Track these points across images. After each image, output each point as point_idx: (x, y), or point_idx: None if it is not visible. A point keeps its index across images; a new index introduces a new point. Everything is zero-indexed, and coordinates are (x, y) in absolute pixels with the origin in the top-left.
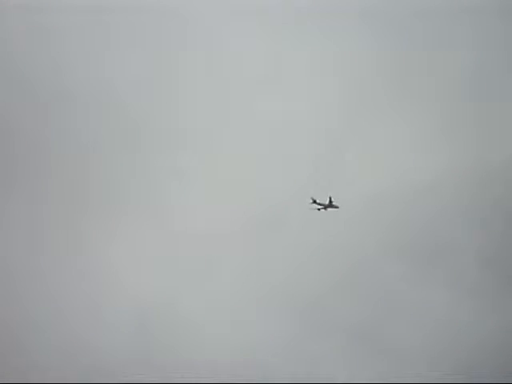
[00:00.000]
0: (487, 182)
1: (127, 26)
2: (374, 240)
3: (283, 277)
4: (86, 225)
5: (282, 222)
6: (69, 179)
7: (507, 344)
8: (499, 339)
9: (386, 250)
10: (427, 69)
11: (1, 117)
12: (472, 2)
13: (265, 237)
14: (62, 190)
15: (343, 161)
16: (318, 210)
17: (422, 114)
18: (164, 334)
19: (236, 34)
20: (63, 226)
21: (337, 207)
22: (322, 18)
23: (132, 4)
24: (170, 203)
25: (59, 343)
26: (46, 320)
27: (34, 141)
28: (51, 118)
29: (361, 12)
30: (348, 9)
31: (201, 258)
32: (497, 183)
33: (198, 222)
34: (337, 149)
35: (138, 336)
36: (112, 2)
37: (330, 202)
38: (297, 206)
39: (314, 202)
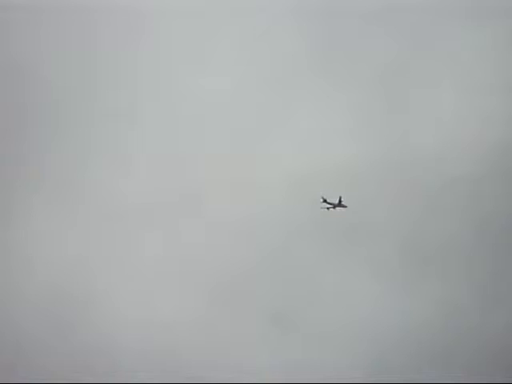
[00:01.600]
0: (409, 169)
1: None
2: (295, 222)
3: (201, 257)
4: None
5: (202, 200)
6: None
7: (423, 329)
8: (416, 325)
9: (308, 232)
10: (352, 57)
11: None
12: None
13: (184, 217)
14: None
15: (268, 140)
16: (328, 209)
17: (348, 101)
18: (77, 309)
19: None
20: None
21: (345, 206)
22: None
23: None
24: (91, 179)
25: None
26: None
27: None
28: None
29: None
30: None
31: (119, 233)
32: (419, 169)
33: (117, 197)
34: (263, 129)
35: (52, 311)
36: None
37: (340, 201)
38: (217, 184)
39: (325, 201)
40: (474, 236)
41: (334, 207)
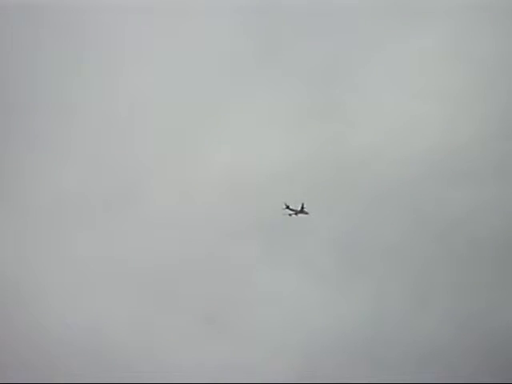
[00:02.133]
0: (346, 171)
1: None
2: (230, 223)
3: (134, 257)
4: None
5: (136, 200)
6: None
7: (356, 331)
8: (349, 327)
9: (243, 233)
10: (291, 58)
11: None
12: None
13: (118, 217)
14: None
15: (205, 140)
16: (290, 215)
17: (286, 102)
18: (9, 308)
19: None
20: None
21: (307, 213)
22: None
23: None
24: (25, 177)
25: None
26: None
27: None
28: None
29: None
30: None
31: (53, 232)
32: (354, 168)
33: (51, 196)
34: (199, 129)
35: None
36: None
37: (302, 208)
38: (152, 184)
39: (287, 207)
40: (410, 239)
41: (296, 213)
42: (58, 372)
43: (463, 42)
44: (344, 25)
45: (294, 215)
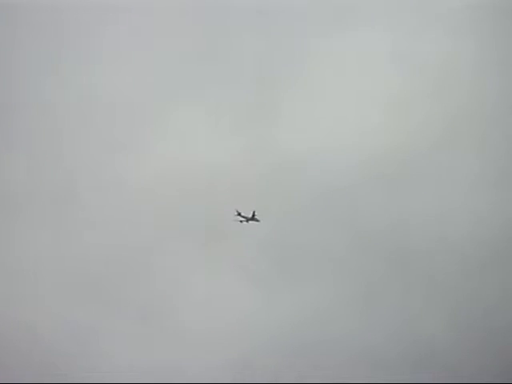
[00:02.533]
0: (283, 170)
1: None
2: (166, 222)
3: (68, 255)
4: None
5: (70, 199)
6: None
7: (293, 333)
8: (286, 329)
9: (179, 233)
10: (229, 59)
11: None
12: None
13: (52, 215)
14: None
15: (141, 140)
16: (241, 222)
17: (219, 104)
18: None
19: None
20: None
21: (258, 221)
22: None
23: None
24: None
25: None
26: None
27: None
28: None
29: None
30: None
31: None
32: (292, 171)
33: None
34: (134, 128)
35: None
36: None
37: (253, 215)
38: (87, 182)
39: (239, 214)
40: (347, 244)
41: (247, 221)
42: None
43: (406, 44)
44: (285, 25)
45: (244, 222)
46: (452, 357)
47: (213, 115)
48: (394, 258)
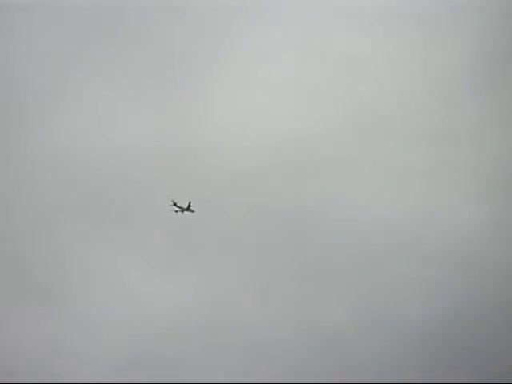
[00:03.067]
0: (190, 153)
1: None
2: (66, 203)
3: None
4: None
5: None
6: None
7: (190, 318)
8: (182, 311)
9: (77, 213)
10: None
11: None
12: None
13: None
14: None
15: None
16: (176, 212)
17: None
18: None
19: None
20: None
21: (193, 211)
22: None
23: None
24: None
25: None
26: None
27: None
28: None
29: None
30: None
31: None
32: (199, 156)
33: None
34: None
35: None
36: None
37: (189, 206)
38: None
39: (174, 204)
40: (251, 229)
41: (182, 211)
42: None
43: (317, 35)
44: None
45: (180, 212)
46: (353, 347)
47: (126, 97)
48: (299, 246)
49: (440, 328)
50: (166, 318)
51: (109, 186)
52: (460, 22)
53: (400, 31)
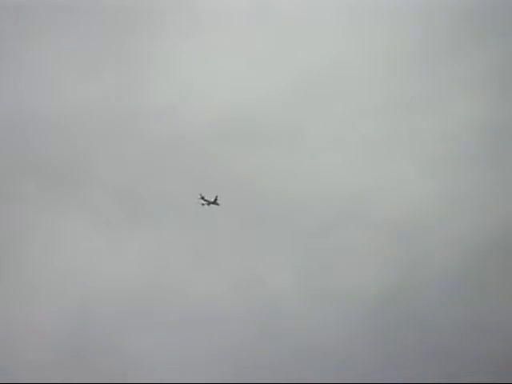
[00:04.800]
0: (133, 118)
1: None
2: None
3: None
4: None
5: None
6: None
7: (133, 281)
8: (127, 274)
9: (26, 176)
10: None
11: None
12: None
13: None
14: None
15: None
16: (202, 205)
17: None
18: None
19: None
20: None
21: (218, 204)
22: None
23: None
24: None
25: None
26: None
27: None
28: None
29: None
30: None
31: None
32: (144, 119)
33: None
34: None
35: None
36: None
37: (215, 199)
38: None
39: (202, 198)
40: (198, 192)
41: (208, 204)
42: None
43: (265, 5)
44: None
45: (206, 205)
46: (297, 313)
47: (74, 59)
48: (245, 211)
49: (384, 295)
50: (108, 277)
51: (58, 148)
52: None
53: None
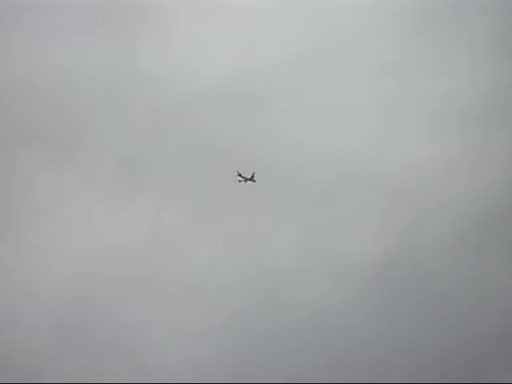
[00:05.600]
0: (135, 82)
1: None
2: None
3: None
4: None
5: None
6: None
7: (131, 250)
8: (125, 241)
9: (24, 141)
10: None
11: None
12: None
13: None
14: None
15: None
16: (239, 181)
17: None
18: None
19: None
20: None
21: (254, 181)
22: None
23: None
24: None
25: None
26: None
27: None
28: None
29: None
30: None
31: None
32: (147, 83)
33: None
34: None
35: None
36: None
37: (252, 176)
38: None
39: (239, 175)
40: (198, 157)
41: (245, 181)
42: None
43: None
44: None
45: (243, 182)
46: (300, 278)
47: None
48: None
49: (386, 258)
50: (109, 245)
51: (55, 112)
52: None
53: None
